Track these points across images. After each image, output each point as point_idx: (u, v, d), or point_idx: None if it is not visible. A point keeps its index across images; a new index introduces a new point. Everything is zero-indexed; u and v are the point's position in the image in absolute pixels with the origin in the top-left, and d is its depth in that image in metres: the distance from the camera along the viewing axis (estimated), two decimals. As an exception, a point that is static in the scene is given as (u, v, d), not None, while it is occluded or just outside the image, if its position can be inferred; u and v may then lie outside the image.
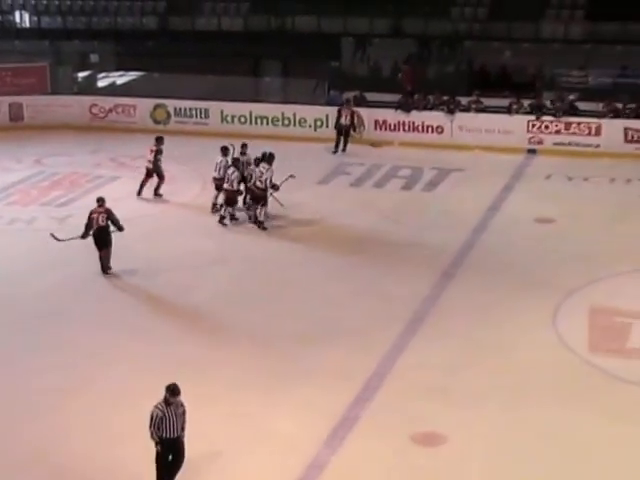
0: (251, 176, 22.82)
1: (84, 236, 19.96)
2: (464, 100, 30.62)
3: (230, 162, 23.27)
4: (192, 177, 26.05)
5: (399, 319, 17.28)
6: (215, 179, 23.59)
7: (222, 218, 22.93)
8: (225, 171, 23.14)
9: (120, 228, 20.02)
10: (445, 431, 13.70)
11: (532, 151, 29.37)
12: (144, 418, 12.35)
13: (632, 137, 28.96)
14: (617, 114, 29.41)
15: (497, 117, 30.07)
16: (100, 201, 20.12)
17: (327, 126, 30.63)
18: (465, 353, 16.11)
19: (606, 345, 16.45)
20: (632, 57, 31.31)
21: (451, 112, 30.08)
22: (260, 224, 22.56)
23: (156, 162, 24.88)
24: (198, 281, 19.46)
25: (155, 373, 15.20)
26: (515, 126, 29.63)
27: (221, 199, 23.45)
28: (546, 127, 29.47)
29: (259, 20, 35.52)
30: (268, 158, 22.94)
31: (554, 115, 29.51)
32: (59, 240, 20.26)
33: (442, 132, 30.10)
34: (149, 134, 30.58)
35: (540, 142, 29.53)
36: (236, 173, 22.80)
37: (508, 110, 30.06)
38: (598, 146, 29.14)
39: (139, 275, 19.80)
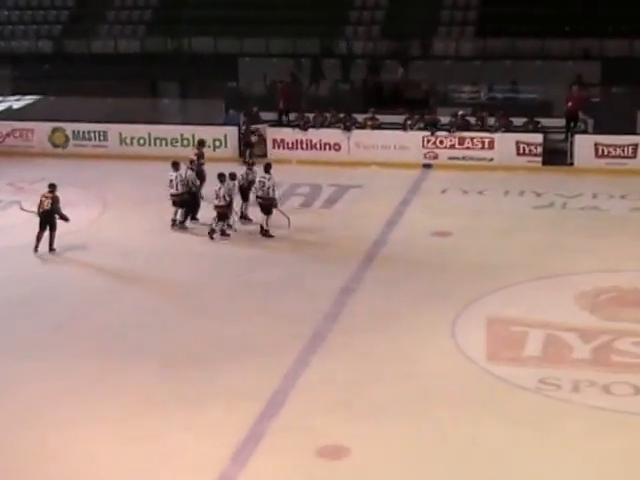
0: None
1: (38, 213, 22.17)
2: (360, 117, 31.08)
3: (184, 176, 23.82)
4: (92, 201, 25.93)
5: (301, 336, 17.46)
6: (172, 195, 23.90)
7: (212, 232, 23.22)
8: (182, 186, 23.69)
9: (63, 217, 22.06)
10: (350, 444, 13.88)
11: (428, 166, 29.90)
12: (46, 445, 12.21)
13: (524, 150, 29.68)
14: (509, 128, 30.18)
15: (392, 133, 30.58)
16: (51, 187, 22.26)
17: (226, 146, 30.86)
18: (367, 366, 16.35)
19: (503, 354, 16.83)
20: (521, 72, 32.17)
21: (347, 129, 30.50)
22: (266, 232, 23.26)
23: (199, 166, 25.44)
24: (99, 304, 19.42)
25: (56, 398, 15.25)
26: (410, 142, 30.15)
27: (180, 215, 23.91)
28: (441, 142, 30.06)
29: (156, 42, 35.66)
30: (266, 167, 23.60)
31: (448, 130, 30.12)
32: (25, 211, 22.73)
33: (339, 149, 30.50)
34: (47, 158, 30.68)
35: (435, 157, 30.09)
36: (223, 189, 23.07)
37: (403, 126, 30.60)
38: (492, 160, 29.80)
39: (40, 300, 19.68)
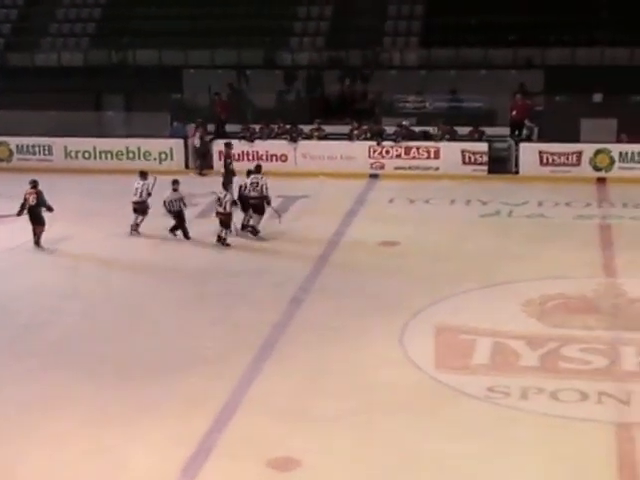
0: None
1: (18, 214, 23.41)
2: (306, 128, 31.13)
3: (152, 186, 24.12)
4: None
5: (251, 347, 17.39)
6: (134, 203, 24.20)
7: (224, 240, 23.51)
8: (147, 195, 24.11)
9: (49, 208, 23.30)
10: (300, 455, 13.81)
11: (374, 176, 30.02)
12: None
13: (469, 159, 29.90)
14: (453, 136, 30.39)
15: (339, 144, 30.72)
16: (32, 183, 23.38)
17: (172, 159, 30.78)
18: (317, 376, 16.32)
19: (452, 362, 16.84)
20: (466, 82, 32.41)
21: (294, 140, 30.54)
22: (253, 229, 24.11)
23: (228, 165, 27.11)
24: (50, 317, 19.23)
25: (8, 411, 15.06)
26: (357, 152, 30.28)
27: (137, 220, 24.17)
28: (387, 152, 30.23)
29: (99, 54, 35.48)
30: (257, 169, 24.68)
31: (394, 140, 30.24)
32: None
33: (286, 160, 30.54)
34: (-9, 172, 30.30)
35: (382, 167, 30.26)
36: (228, 196, 23.52)
37: (349, 136, 30.68)
38: (437, 169, 30.01)
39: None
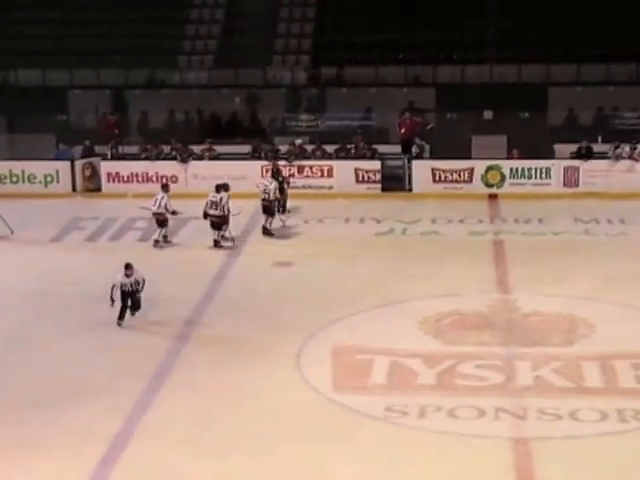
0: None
1: None
2: (197, 148, 30.77)
3: (168, 200, 24.73)
4: None
5: (143, 374, 16.93)
6: (155, 214, 24.63)
7: (217, 242, 24.45)
8: (165, 206, 24.44)
9: None
10: (197, 483, 13.51)
11: (267, 196, 29.77)
12: None
13: (363, 177, 29.88)
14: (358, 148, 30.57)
15: (231, 164, 30.38)
16: None
17: (58, 181, 30.10)
18: (212, 403, 15.95)
19: (350, 383, 16.67)
20: (356, 99, 32.56)
21: (184, 161, 30.14)
22: (267, 231, 25.58)
23: (280, 175, 27.94)
24: None
25: None
26: (249, 172, 29.91)
27: (158, 234, 24.60)
28: (280, 171, 29.98)
29: (-21, 75, 34.62)
30: (276, 174, 26.90)
31: (287, 160, 30.07)
32: None
33: (177, 181, 30.03)
34: None
35: (275, 186, 29.99)
36: (225, 199, 24.47)
37: (258, 154, 30.49)
38: (331, 187, 29.92)
39: None
